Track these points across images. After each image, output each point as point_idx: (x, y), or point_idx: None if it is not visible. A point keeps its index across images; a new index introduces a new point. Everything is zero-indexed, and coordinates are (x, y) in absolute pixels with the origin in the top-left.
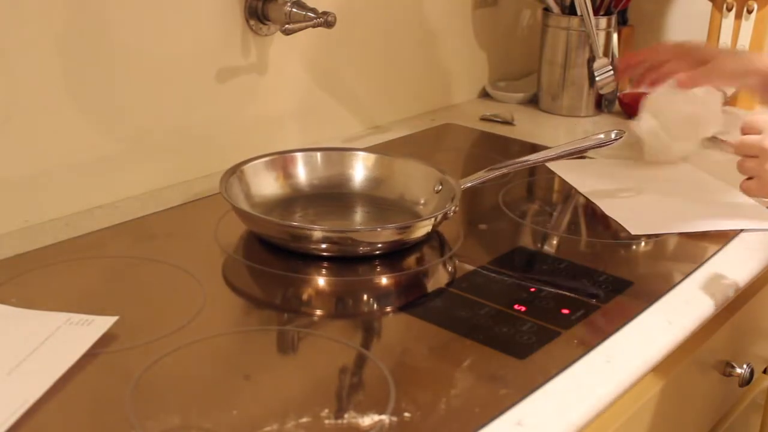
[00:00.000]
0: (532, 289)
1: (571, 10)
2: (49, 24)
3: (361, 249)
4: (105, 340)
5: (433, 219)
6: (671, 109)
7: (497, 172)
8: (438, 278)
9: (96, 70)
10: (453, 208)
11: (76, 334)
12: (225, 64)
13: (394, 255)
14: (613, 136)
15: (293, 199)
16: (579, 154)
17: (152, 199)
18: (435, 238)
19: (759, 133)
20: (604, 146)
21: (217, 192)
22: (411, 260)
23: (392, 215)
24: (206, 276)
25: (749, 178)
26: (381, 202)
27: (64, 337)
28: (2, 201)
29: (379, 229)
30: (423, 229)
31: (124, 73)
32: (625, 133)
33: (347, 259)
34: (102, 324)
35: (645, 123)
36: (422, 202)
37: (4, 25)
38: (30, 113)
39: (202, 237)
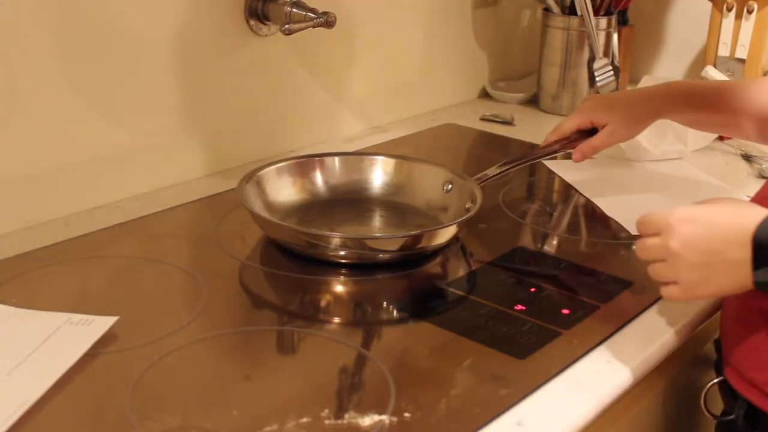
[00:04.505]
0: (532, 289)
1: (571, 10)
2: (49, 25)
3: (381, 256)
4: (105, 341)
5: (456, 225)
6: None
7: (509, 167)
8: (438, 278)
9: (95, 70)
10: (475, 208)
11: (76, 334)
12: (225, 64)
13: None
14: None
15: (311, 205)
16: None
17: (152, 199)
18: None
19: (656, 233)
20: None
21: (218, 192)
22: (410, 260)
23: (411, 219)
24: (206, 276)
25: (668, 283)
26: (399, 206)
27: (64, 338)
28: (2, 201)
29: (401, 237)
30: (446, 234)
31: (124, 73)
32: None
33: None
34: (102, 324)
35: None
36: (441, 205)
37: (3, 26)
38: (30, 113)
39: (202, 237)
